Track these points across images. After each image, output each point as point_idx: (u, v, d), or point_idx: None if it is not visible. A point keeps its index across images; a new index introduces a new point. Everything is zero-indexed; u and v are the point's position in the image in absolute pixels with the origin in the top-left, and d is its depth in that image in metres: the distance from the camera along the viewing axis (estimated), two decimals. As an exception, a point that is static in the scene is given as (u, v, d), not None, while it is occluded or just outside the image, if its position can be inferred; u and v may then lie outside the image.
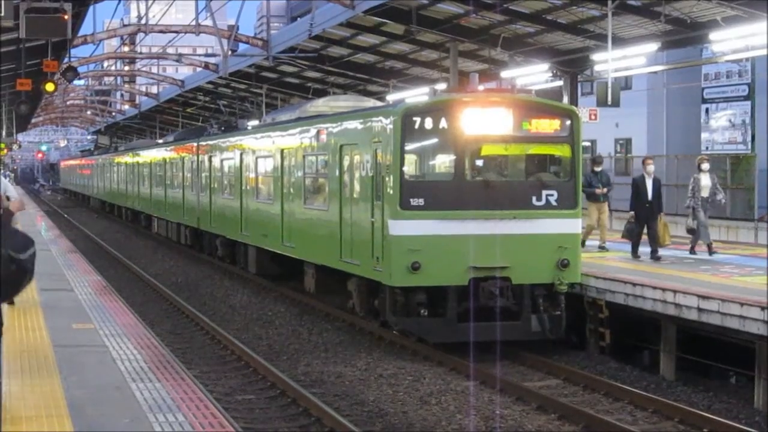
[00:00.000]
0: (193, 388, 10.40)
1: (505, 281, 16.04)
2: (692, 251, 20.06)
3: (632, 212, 19.48)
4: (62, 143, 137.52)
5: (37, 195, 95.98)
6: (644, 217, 19.28)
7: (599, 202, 21.29)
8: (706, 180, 19.84)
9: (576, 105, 26.66)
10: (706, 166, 19.96)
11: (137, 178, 44.77)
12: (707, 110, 38.54)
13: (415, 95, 32.86)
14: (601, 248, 21.10)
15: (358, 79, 39.78)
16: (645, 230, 19.42)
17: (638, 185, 19.53)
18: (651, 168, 19.62)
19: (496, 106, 16.50)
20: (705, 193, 19.73)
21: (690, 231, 19.99)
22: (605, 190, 21.23)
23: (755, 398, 13.53)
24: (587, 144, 36.78)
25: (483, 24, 28.15)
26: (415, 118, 16.04)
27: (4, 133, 56.05)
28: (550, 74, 29.61)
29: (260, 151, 24.40)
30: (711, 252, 19.71)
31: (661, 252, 19.28)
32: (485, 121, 16.32)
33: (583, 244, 20.68)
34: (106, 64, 56.73)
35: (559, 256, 16.30)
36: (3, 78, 34.38)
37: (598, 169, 21.66)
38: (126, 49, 55.02)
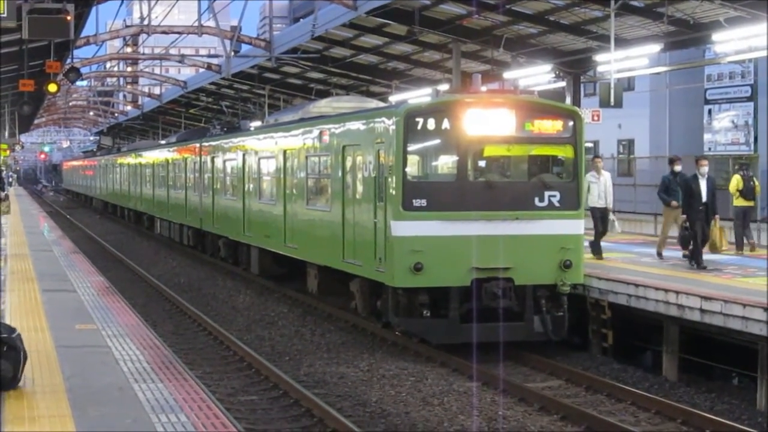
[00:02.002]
0: (195, 389, 10.41)
1: (507, 282, 16.02)
2: None
3: (684, 216, 18.24)
4: (65, 144, 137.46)
5: (39, 196, 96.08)
6: (699, 221, 17.97)
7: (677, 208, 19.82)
8: None
9: (579, 106, 26.65)
10: None
11: (140, 179, 44.76)
12: (710, 111, 38.50)
13: (418, 96, 32.89)
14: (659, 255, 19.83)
15: (360, 80, 39.76)
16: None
17: (691, 187, 18.09)
18: (705, 169, 18.15)
19: (498, 107, 16.48)
20: None
21: None
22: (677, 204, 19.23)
23: (758, 399, 13.50)
24: (590, 145, 36.81)
25: (485, 25, 28.13)
26: (417, 119, 16.03)
27: (6, 134, 56.04)
28: (553, 75, 29.57)
29: (263, 152, 24.38)
30: None
31: (719, 258, 18.25)
32: (488, 121, 16.30)
33: (660, 255, 19.67)
34: (108, 65, 56.73)
35: (562, 257, 16.28)
36: (5, 79, 34.38)
37: (677, 168, 19.64)
38: (129, 50, 55.17)
